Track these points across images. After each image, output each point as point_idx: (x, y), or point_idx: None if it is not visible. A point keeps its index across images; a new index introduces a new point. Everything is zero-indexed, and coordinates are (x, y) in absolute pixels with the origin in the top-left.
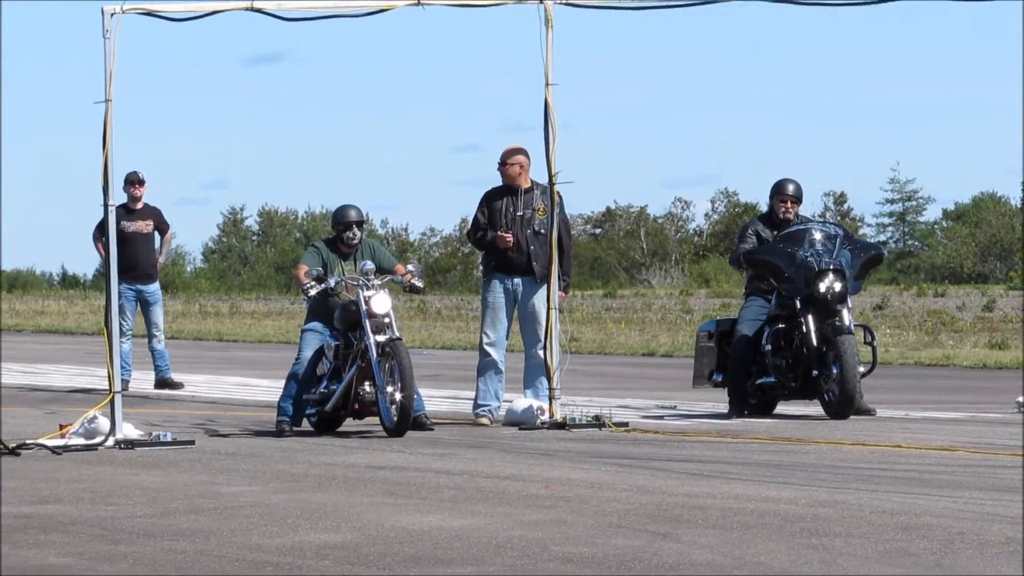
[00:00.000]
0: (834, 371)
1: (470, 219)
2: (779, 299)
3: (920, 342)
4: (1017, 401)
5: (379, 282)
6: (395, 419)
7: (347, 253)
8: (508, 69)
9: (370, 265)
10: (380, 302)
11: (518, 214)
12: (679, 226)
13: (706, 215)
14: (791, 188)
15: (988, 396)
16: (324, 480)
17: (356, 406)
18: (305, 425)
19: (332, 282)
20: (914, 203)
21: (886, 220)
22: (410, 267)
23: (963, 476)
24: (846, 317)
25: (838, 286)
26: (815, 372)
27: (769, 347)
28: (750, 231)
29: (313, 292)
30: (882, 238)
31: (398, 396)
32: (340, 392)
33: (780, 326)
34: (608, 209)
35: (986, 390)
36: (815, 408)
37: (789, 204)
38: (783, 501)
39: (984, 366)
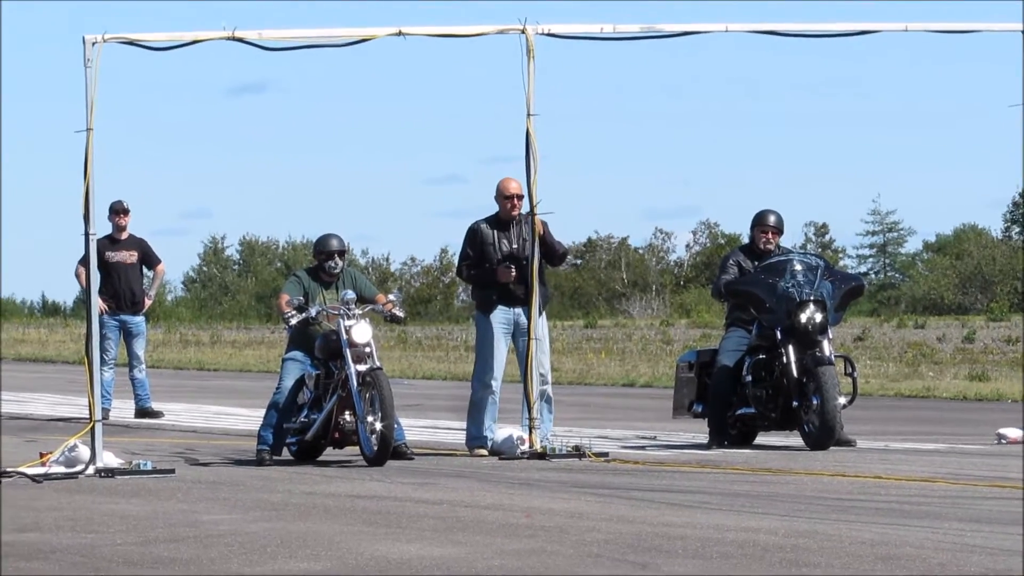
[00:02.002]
0: (814, 402)
1: (452, 250)
2: (760, 330)
3: (900, 373)
4: (997, 433)
5: (360, 311)
6: (375, 448)
7: (328, 282)
8: (489, 100)
9: (351, 295)
10: (361, 331)
11: (513, 247)
12: (660, 257)
13: (687, 246)
14: (772, 219)
15: (968, 428)
16: (304, 509)
17: (336, 435)
18: (285, 454)
19: (313, 311)
20: (895, 235)
21: (867, 251)
22: (391, 297)
23: (942, 507)
24: (826, 348)
25: (819, 317)
26: (795, 403)
27: (750, 378)
28: (731, 262)
29: (294, 321)
30: (863, 269)
31: (378, 426)
32: (320, 421)
33: (761, 356)
34: (589, 240)
35: (966, 422)
36: (795, 439)
37: (770, 235)
38: (762, 531)
39: (964, 398)
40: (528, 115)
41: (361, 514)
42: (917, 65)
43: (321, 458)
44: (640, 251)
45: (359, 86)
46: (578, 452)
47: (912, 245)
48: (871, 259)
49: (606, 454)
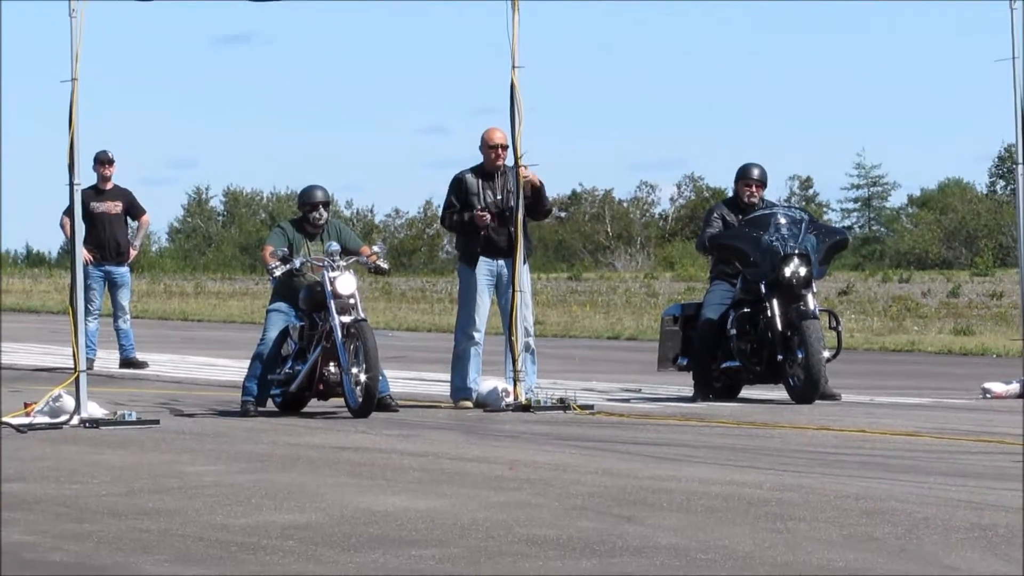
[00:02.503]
0: (799, 356)
1: (436, 201)
2: (744, 283)
3: (885, 328)
4: (982, 387)
5: (344, 263)
6: (360, 400)
7: (313, 234)
8: (475, 52)
9: (336, 246)
10: (345, 283)
11: (497, 197)
12: (644, 210)
13: (672, 199)
14: (756, 172)
15: (952, 382)
16: (289, 460)
17: (321, 387)
18: (270, 405)
19: (298, 262)
20: (880, 189)
21: (851, 205)
22: (375, 248)
23: (927, 462)
24: (811, 302)
25: (803, 271)
26: (780, 357)
27: (734, 331)
28: (715, 215)
29: (278, 272)
30: (847, 223)
31: (363, 377)
32: (305, 373)
33: (745, 310)
34: (574, 192)
35: (951, 376)
36: (780, 392)
37: (754, 188)
38: (748, 485)
39: (949, 352)
40: (513, 67)
41: (346, 466)
42: (904, 19)
43: (306, 409)
44: (624, 204)
45: (344, 37)
46: (563, 405)
47: (897, 199)
48: (855, 213)
49: (591, 407)
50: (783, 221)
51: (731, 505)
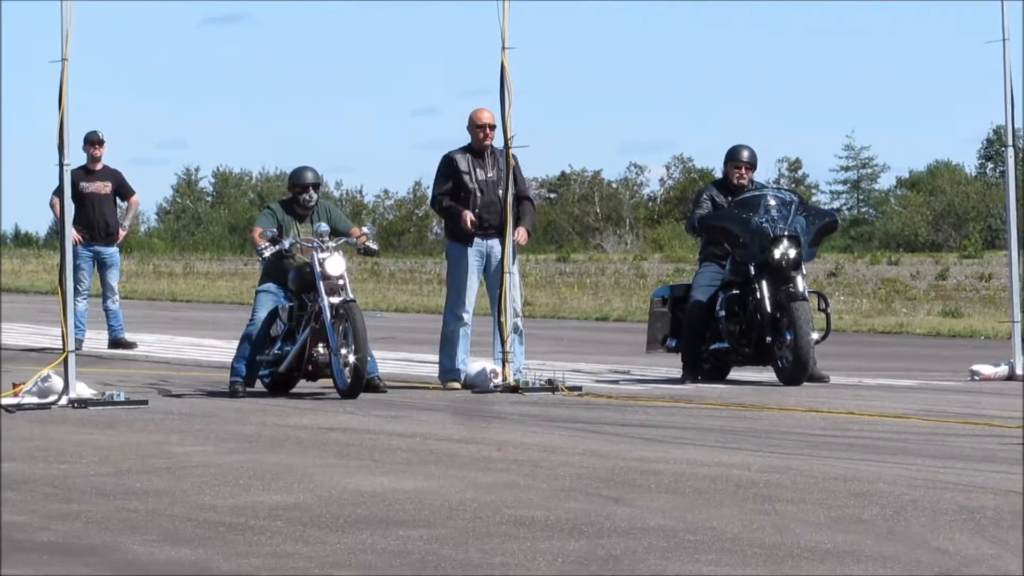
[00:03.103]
0: (788, 337)
1: (426, 182)
2: (733, 265)
3: (874, 309)
4: (970, 369)
5: (334, 244)
6: (348, 381)
7: (303, 215)
8: (465, 33)
9: (325, 227)
10: (334, 264)
11: (488, 175)
12: (633, 191)
13: (661, 180)
14: (745, 154)
15: (941, 364)
16: (277, 441)
17: (310, 368)
18: (258, 386)
19: (287, 243)
20: (869, 170)
21: (840, 187)
22: (364, 229)
23: (916, 444)
24: (800, 283)
25: (793, 252)
26: (769, 338)
27: (723, 312)
28: (705, 197)
29: (268, 253)
30: (836, 205)
31: (352, 358)
32: (294, 353)
33: (734, 292)
34: (563, 173)
35: (939, 358)
36: (768, 374)
37: (743, 170)
38: (736, 466)
39: (937, 334)
40: (503, 48)
41: (334, 446)
42: (893, 1)
43: (294, 390)
44: (614, 185)
45: (333, 18)
46: (551, 386)
47: (885, 181)
48: (844, 195)
49: (579, 388)
50: (773, 203)
51: (719, 487)
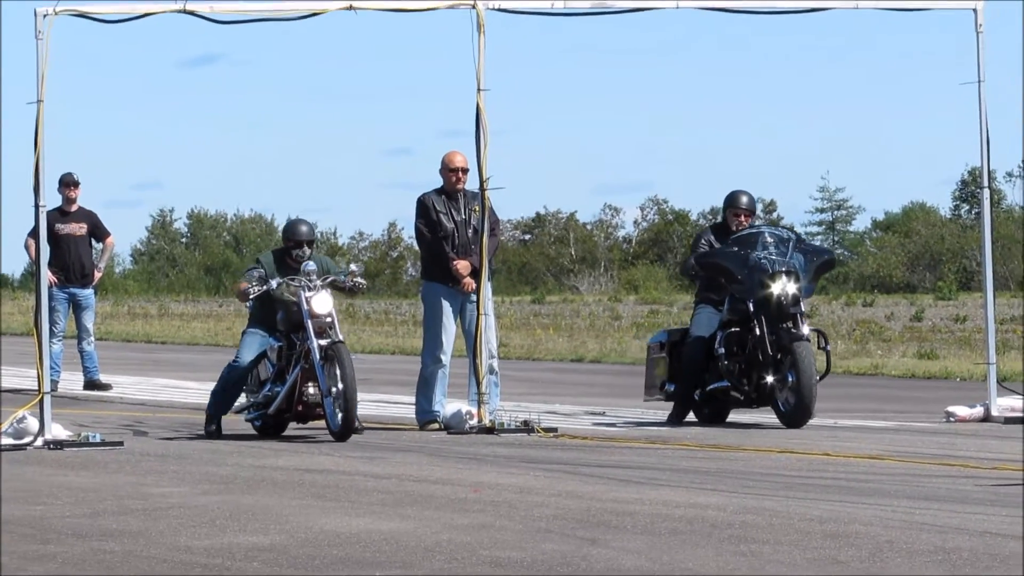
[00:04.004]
0: (790, 379)
1: (400, 223)
2: (732, 303)
3: (849, 351)
4: (946, 411)
5: (321, 282)
6: (340, 423)
7: (294, 269)
8: (441, 74)
9: (312, 266)
10: (321, 302)
11: (462, 217)
12: (608, 232)
13: (635, 222)
14: (744, 200)
15: (916, 405)
16: (253, 482)
17: (300, 408)
18: (248, 429)
19: (274, 283)
20: (844, 212)
21: (816, 229)
22: (353, 267)
23: (891, 485)
24: (800, 322)
25: (792, 288)
26: (770, 379)
27: (723, 350)
28: (703, 241)
29: (254, 294)
30: None
31: (342, 400)
32: (284, 393)
33: (733, 330)
34: (538, 215)
35: (914, 399)
36: (768, 416)
37: (743, 217)
38: (711, 508)
39: (912, 376)
40: (478, 90)
41: (310, 488)
42: (868, 43)
43: (286, 433)
44: (589, 227)
45: (309, 60)
46: (527, 427)
47: (861, 223)
48: (819, 236)
49: (555, 429)
50: (770, 240)
51: (695, 528)
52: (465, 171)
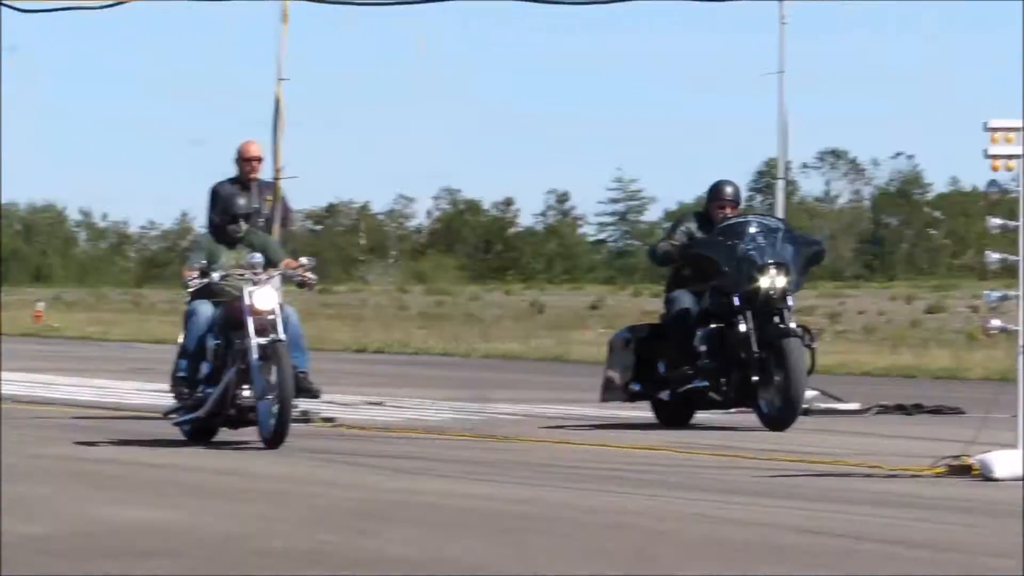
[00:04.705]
0: (776, 378)
1: (192, 213)
2: (714, 296)
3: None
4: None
5: (266, 276)
6: (273, 429)
7: (233, 242)
8: (243, 63)
9: (259, 258)
10: (265, 297)
11: (254, 206)
12: (400, 223)
13: (428, 212)
14: (729, 191)
15: None
16: (27, 471)
17: (232, 412)
18: (176, 435)
19: (216, 276)
20: (636, 203)
21: (608, 219)
22: (303, 260)
23: (666, 475)
24: (788, 317)
25: (781, 282)
26: (755, 378)
27: (704, 347)
28: (682, 228)
29: (193, 286)
30: (602, 237)
31: (275, 407)
32: (215, 397)
33: (715, 326)
34: (330, 205)
35: None
36: (744, 418)
37: (728, 209)
38: (485, 498)
39: None
40: (278, 80)
41: (85, 476)
42: (668, 33)
43: (216, 438)
44: (380, 217)
45: (107, 50)
46: (305, 417)
47: (653, 213)
48: (611, 227)
49: (333, 419)
50: (758, 229)
51: (467, 518)
52: (260, 160)
